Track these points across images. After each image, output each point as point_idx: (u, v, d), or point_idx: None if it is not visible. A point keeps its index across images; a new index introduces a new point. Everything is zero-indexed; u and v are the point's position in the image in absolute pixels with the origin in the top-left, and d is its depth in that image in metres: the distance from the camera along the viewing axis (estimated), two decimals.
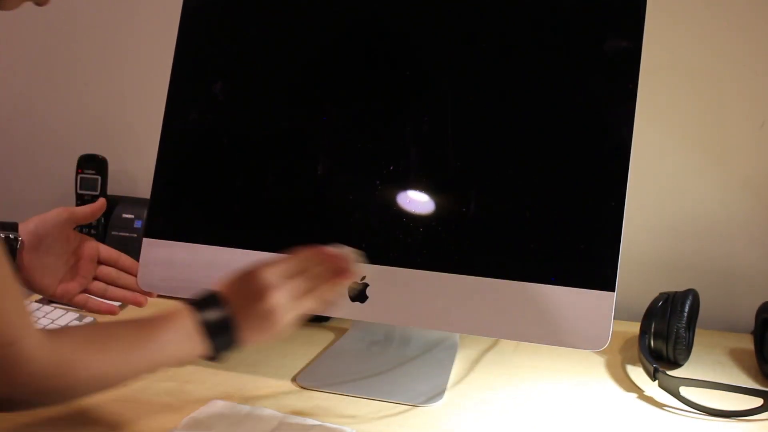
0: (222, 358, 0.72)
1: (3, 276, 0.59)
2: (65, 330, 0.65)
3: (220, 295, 0.72)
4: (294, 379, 0.88)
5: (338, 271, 0.76)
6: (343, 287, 0.78)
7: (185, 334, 0.69)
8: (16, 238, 0.86)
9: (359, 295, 0.84)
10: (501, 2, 0.84)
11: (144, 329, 0.69)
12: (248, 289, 0.72)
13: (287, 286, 0.73)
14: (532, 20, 0.83)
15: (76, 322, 1.01)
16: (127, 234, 1.22)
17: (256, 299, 0.72)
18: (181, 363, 0.71)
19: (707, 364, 0.96)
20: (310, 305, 0.75)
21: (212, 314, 0.71)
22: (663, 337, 0.93)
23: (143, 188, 1.31)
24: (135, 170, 1.33)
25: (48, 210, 0.89)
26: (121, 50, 1.34)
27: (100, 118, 1.37)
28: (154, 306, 0.93)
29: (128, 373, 0.68)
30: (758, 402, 0.81)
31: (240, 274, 0.74)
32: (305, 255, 0.76)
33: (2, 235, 0.86)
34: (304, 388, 0.86)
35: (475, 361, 0.96)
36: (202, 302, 0.71)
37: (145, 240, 0.92)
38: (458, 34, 0.85)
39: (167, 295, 0.89)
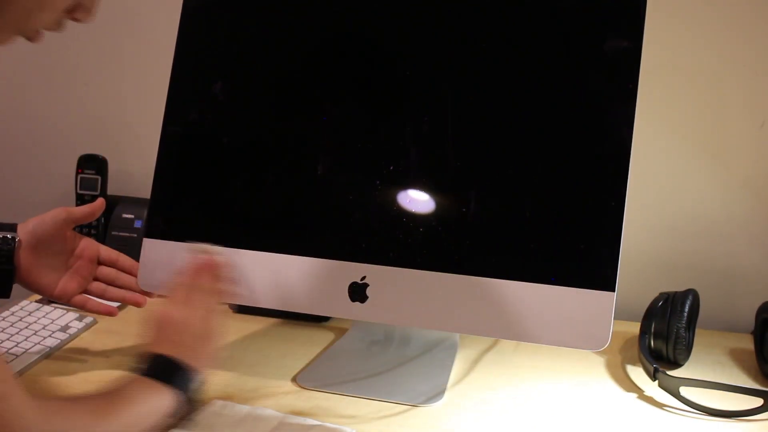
0: (195, 404, 0.76)
1: None
2: (51, 403, 0.66)
3: (152, 352, 0.74)
4: (294, 379, 0.88)
5: (211, 268, 0.82)
6: (227, 274, 0.84)
7: (151, 392, 0.71)
8: (13, 238, 0.86)
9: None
10: (501, 2, 0.84)
11: (114, 400, 0.69)
12: (169, 334, 0.76)
13: (195, 306, 0.78)
14: (531, 20, 0.83)
15: (76, 322, 1.01)
16: (127, 234, 1.22)
17: (185, 334, 0.76)
18: (157, 424, 0.71)
19: (707, 364, 0.96)
20: (221, 303, 0.81)
21: (159, 366, 0.73)
22: (663, 337, 0.93)
23: (143, 188, 1.30)
24: (135, 170, 1.33)
25: (48, 210, 0.90)
26: (120, 50, 1.34)
27: (100, 118, 1.37)
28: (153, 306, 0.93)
29: None
30: (758, 402, 0.81)
31: (151, 331, 0.77)
32: (179, 281, 0.81)
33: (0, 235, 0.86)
34: (304, 388, 0.86)
35: (475, 361, 0.96)
36: (142, 363, 0.73)
37: (145, 240, 0.92)
38: (458, 34, 0.85)
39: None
